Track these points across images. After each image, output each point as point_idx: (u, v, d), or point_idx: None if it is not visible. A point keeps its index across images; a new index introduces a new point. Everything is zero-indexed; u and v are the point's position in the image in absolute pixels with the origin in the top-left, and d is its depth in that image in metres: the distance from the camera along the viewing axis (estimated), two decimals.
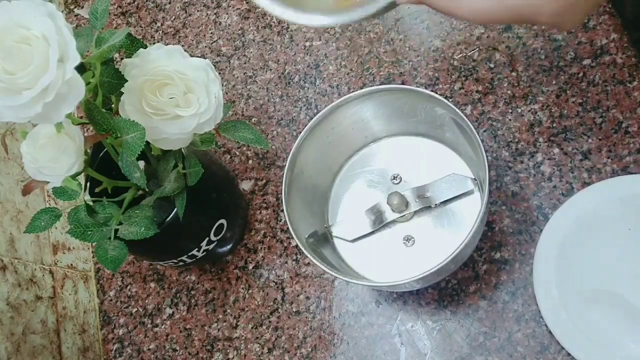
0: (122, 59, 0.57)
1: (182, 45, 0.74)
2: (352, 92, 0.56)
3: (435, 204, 0.57)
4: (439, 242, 0.57)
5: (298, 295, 0.64)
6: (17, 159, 0.71)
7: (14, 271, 0.67)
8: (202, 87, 0.49)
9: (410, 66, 0.68)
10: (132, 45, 0.51)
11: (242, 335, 0.65)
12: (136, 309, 0.70)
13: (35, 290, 0.70)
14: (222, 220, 0.62)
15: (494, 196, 0.60)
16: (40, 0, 0.41)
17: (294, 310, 0.64)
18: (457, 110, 0.51)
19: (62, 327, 0.72)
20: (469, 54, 0.66)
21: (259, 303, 0.65)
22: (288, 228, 0.53)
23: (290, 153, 0.55)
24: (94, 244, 0.73)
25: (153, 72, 0.48)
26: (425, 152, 0.60)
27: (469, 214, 0.56)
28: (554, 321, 0.53)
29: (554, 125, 0.60)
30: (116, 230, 0.52)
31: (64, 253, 0.76)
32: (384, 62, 0.70)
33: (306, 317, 0.63)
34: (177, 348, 0.67)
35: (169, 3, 0.82)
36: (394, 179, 0.60)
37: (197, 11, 0.80)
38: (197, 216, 0.59)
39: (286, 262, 0.66)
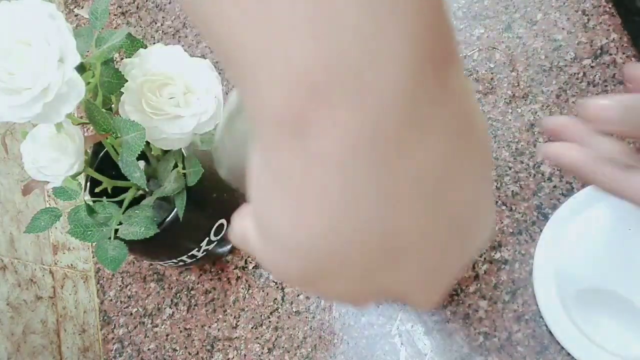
0: (122, 59, 0.57)
1: (182, 45, 0.74)
2: None
3: None
4: None
5: (298, 295, 0.64)
6: (17, 159, 0.71)
7: (14, 271, 0.67)
8: (202, 87, 0.49)
9: None
10: (132, 45, 0.51)
11: (242, 335, 0.65)
12: (136, 309, 0.70)
13: (35, 290, 0.69)
14: (222, 220, 0.62)
15: (494, 196, 0.60)
16: (40, 0, 0.41)
17: (294, 310, 0.64)
18: None
19: (62, 327, 0.72)
20: (469, 54, 0.66)
21: (259, 303, 0.65)
22: None
23: None
24: (94, 244, 0.73)
25: (153, 72, 0.48)
26: None
27: None
28: (554, 321, 0.53)
29: None
30: (116, 230, 0.52)
31: (64, 253, 0.76)
32: None
33: (306, 317, 0.63)
34: (177, 348, 0.67)
35: (169, 3, 0.82)
36: None
37: None
38: (197, 216, 0.59)
39: None
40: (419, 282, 0.22)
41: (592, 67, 0.61)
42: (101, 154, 0.58)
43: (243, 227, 0.27)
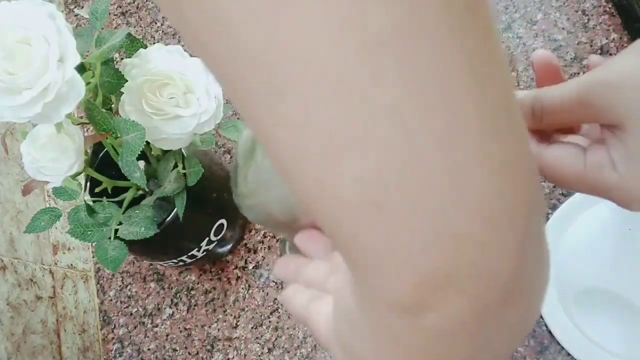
0: (122, 59, 0.57)
1: (182, 45, 0.74)
2: None
3: None
4: None
5: None
6: (17, 159, 0.71)
7: (14, 271, 0.67)
8: (202, 87, 0.49)
9: None
10: (132, 45, 0.51)
11: (242, 335, 0.65)
12: (136, 309, 0.70)
13: (35, 290, 0.69)
14: (222, 220, 0.62)
15: None
16: (40, 0, 0.41)
17: None
18: None
19: (62, 327, 0.72)
20: None
21: (259, 303, 0.65)
22: None
23: None
24: (94, 244, 0.73)
25: (153, 72, 0.48)
26: None
27: None
28: (554, 321, 0.53)
29: None
30: (116, 230, 0.52)
31: (64, 253, 0.76)
32: None
33: None
34: (177, 348, 0.67)
35: None
36: None
37: None
38: (197, 216, 0.59)
39: None
40: None
41: None
42: (101, 154, 0.58)
43: (305, 306, 0.31)
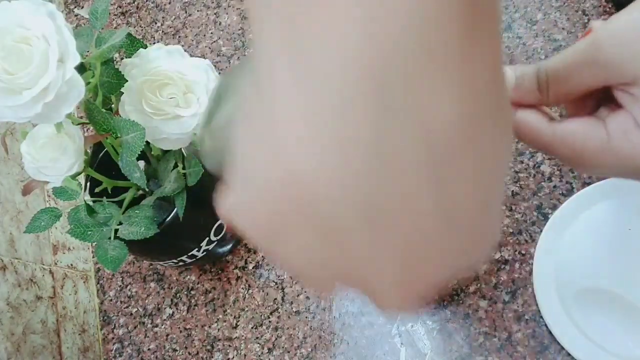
0: (122, 59, 0.57)
1: (182, 45, 0.74)
2: None
3: None
4: None
5: (298, 295, 0.64)
6: (17, 159, 0.71)
7: (14, 271, 0.67)
8: (202, 87, 0.49)
9: None
10: (132, 45, 0.51)
11: (242, 335, 0.65)
12: (136, 309, 0.70)
13: (35, 290, 0.69)
14: (222, 220, 0.62)
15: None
16: (40, 0, 0.41)
17: (294, 310, 0.64)
18: None
19: (62, 327, 0.72)
20: None
21: (259, 303, 0.65)
22: None
23: None
24: (94, 244, 0.73)
25: (153, 72, 0.48)
26: None
27: None
28: (554, 321, 0.53)
29: None
30: (116, 230, 0.52)
31: (64, 253, 0.76)
32: None
33: (306, 317, 0.63)
34: (177, 348, 0.67)
35: (169, 3, 0.82)
36: None
37: (197, 11, 0.80)
38: (197, 216, 0.59)
39: None
40: (393, 269, 0.18)
41: None
42: (101, 154, 0.58)
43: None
